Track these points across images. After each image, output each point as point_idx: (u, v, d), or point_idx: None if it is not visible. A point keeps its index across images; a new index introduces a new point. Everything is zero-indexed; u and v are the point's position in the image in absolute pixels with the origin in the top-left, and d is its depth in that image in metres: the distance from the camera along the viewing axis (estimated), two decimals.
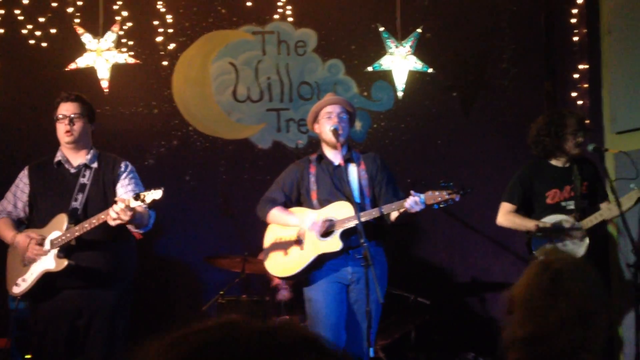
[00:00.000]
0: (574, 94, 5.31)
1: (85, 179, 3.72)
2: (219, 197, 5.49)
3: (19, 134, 5.36)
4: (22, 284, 3.65)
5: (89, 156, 3.76)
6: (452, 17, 5.59)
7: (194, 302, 5.07)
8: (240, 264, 4.70)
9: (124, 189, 3.72)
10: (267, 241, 3.99)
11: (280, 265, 3.88)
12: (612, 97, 4.90)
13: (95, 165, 3.76)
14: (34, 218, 3.75)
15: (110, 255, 3.66)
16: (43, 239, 3.62)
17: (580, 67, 5.28)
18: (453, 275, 5.48)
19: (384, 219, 3.79)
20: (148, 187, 3.48)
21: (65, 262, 3.56)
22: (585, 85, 5.20)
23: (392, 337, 4.74)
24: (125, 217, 3.36)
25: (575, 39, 5.36)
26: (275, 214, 3.92)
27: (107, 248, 3.64)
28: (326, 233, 3.76)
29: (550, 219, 3.91)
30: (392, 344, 4.73)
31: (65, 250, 3.59)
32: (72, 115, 3.70)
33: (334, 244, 3.72)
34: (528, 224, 4.03)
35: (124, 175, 3.77)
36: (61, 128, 3.71)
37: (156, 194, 3.37)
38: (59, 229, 3.60)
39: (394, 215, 3.77)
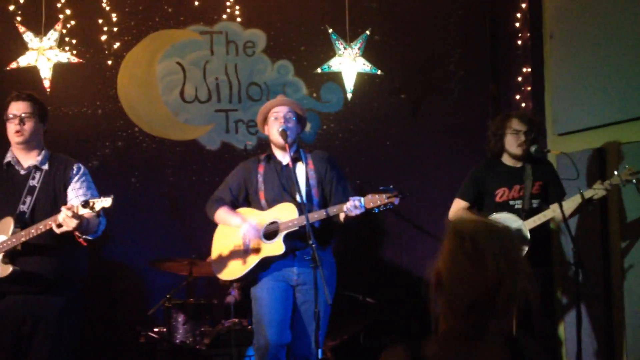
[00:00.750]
0: (517, 97, 5.42)
1: (35, 181, 3.59)
2: (166, 199, 5.41)
3: None
4: None
5: (39, 157, 3.63)
6: (400, 20, 5.65)
7: (140, 306, 4.98)
8: (187, 267, 4.64)
9: (75, 193, 3.60)
10: (215, 243, 3.97)
11: (226, 268, 3.85)
12: (554, 99, 5.02)
13: (46, 167, 3.63)
14: None
15: (58, 260, 3.53)
16: None
17: (524, 70, 5.40)
18: (401, 275, 5.52)
19: (333, 219, 3.79)
20: (99, 190, 3.40)
21: (10, 269, 3.42)
22: (529, 88, 5.32)
23: (341, 338, 4.75)
24: (72, 224, 3.27)
25: (519, 42, 5.47)
26: (221, 214, 3.93)
27: (55, 253, 3.52)
28: (270, 235, 3.74)
29: (498, 217, 3.97)
30: (341, 345, 4.74)
31: (10, 255, 3.46)
32: (23, 115, 3.58)
33: (277, 247, 3.71)
34: None
35: (76, 178, 3.65)
36: (11, 128, 3.59)
37: (106, 202, 3.28)
38: (4, 233, 3.47)
39: (342, 216, 3.77)
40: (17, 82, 5.07)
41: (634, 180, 3.70)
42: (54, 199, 3.58)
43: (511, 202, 4.02)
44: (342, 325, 4.68)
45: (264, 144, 4.98)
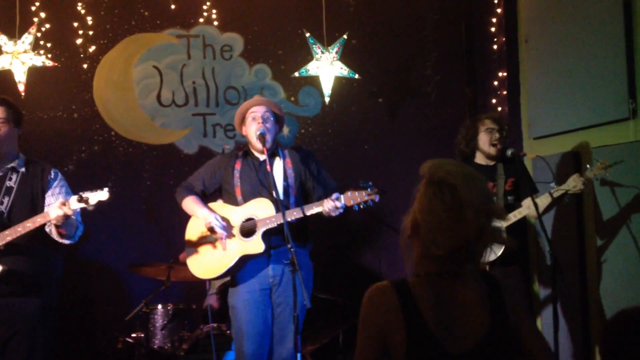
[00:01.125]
0: (493, 101, 5.49)
1: (12, 182, 3.57)
2: (143, 203, 5.37)
3: None
4: None
5: (17, 160, 3.62)
6: (377, 24, 5.68)
7: (118, 311, 4.92)
8: (165, 271, 4.60)
9: (55, 198, 3.57)
10: (189, 238, 3.89)
11: (203, 266, 3.79)
12: (529, 103, 5.08)
13: (23, 169, 3.62)
14: None
15: (35, 262, 3.50)
16: None
17: (500, 74, 5.46)
18: (380, 278, 5.53)
19: (305, 215, 3.72)
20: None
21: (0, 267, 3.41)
22: (505, 92, 5.38)
23: (320, 341, 4.75)
24: (63, 219, 3.28)
25: (495, 47, 5.54)
26: (189, 202, 3.90)
27: (32, 255, 3.48)
28: (248, 232, 3.71)
29: None
30: (321, 348, 4.73)
31: None
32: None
33: (256, 245, 3.65)
34: None
35: (55, 183, 3.64)
36: None
37: (102, 195, 3.29)
38: None
39: (314, 211, 3.73)
40: None
41: (607, 174, 3.77)
42: (31, 202, 3.55)
43: None
44: (321, 328, 4.68)
45: (242, 148, 4.97)
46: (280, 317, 3.70)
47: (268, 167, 3.72)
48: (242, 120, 3.92)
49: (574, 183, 3.80)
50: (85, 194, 3.27)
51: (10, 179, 3.57)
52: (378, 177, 5.35)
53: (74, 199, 3.29)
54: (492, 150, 4.08)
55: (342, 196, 3.56)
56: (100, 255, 5.21)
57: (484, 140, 4.10)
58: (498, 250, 3.89)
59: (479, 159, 4.18)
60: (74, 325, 5.05)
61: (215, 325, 4.45)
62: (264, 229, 3.65)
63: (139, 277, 4.83)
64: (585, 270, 4.41)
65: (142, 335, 4.56)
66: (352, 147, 5.65)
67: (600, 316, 4.26)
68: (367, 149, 5.67)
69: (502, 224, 3.92)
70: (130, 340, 4.56)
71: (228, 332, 4.33)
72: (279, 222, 3.59)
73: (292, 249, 3.34)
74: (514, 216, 3.94)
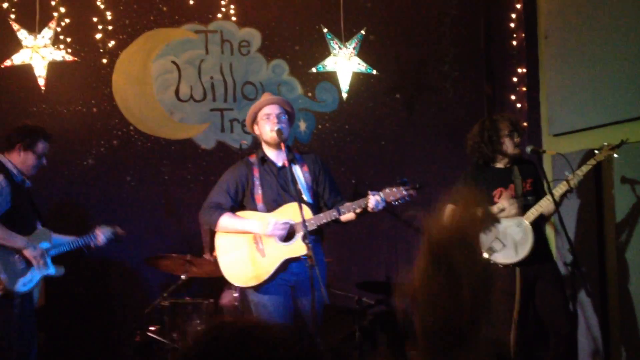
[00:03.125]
0: (512, 97, 5.45)
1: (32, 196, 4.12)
2: (161, 198, 5.40)
3: None
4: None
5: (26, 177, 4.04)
6: (395, 20, 5.66)
7: (137, 304, 4.96)
8: (183, 265, 4.63)
9: None
10: (222, 255, 3.79)
11: (244, 275, 3.72)
12: (549, 100, 5.05)
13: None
14: (14, 226, 3.88)
15: None
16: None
17: (519, 70, 5.42)
18: (397, 275, 5.53)
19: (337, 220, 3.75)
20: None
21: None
22: (524, 89, 5.35)
23: (337, 337, 4.75)
24: None
25: (514, 43, 5.50)
26: (228, 222, 3.73)
27: None
28: (287, 237, 3.71)
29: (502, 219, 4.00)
30: (338, 344, 4.74)
31: None
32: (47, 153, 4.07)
33: (300, 247, 3.59)
34: None
35: None
36: (35, 162, 4.00)
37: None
38: (47, 241, 4.03)
39: (348, 216, 3.74)
40: (11, 80, 5.07)
41: (615, 155, 3.77)
42: None
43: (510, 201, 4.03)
44: (337, 325, 4.69)
45: (259, 143, 4.98)
46: (301, 312, 3.71)
47: (286, 163, 3.72)
48: (254, 120, 3.89)
49: (586, 168, 3.81)
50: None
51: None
52: (394, 173, 5.34)
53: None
54: (516, 152, 4.03)
55: (381, 192, 3.57)
56: (119, 249, 5.22)
57: (508, 144, 4.04)
58: (522, 251, 3.88)
59: (498, 162, 4.12)
60: (93, 318, 5.09)
61: (231, 318, 4.46)
62: (304, 231, 3.58)
63: (157, 270, 4.86)
64: (605, 267, 4.39)
65: (160, 328, 4.59)
66: (369, 143, 5.64)
67: (620, 313, 4.23)
68: (384, 144, 5.66)
69: (525, 222, 3.92)
70: (148, 333, 4.60)
71: None
72: (318, 223, 3.61)
73: (309, 244, 3.36)
74: (535, 210, 3.92)
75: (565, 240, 3.78)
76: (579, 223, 4.51)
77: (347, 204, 3.69)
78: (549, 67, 5.05)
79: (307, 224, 3.53)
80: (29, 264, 3.87)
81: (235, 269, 3.76)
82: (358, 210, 3.67)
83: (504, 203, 3.96)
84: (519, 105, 5.39)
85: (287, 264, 3.70)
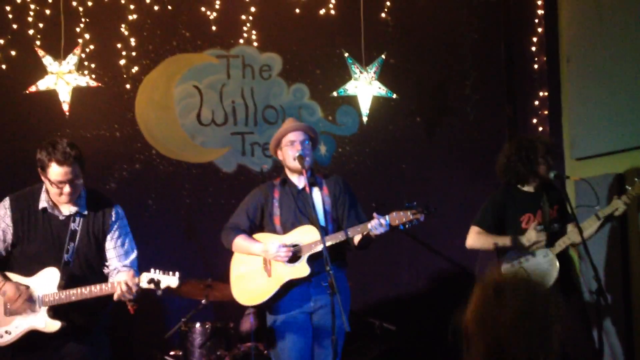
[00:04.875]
0: (534, 120, 5.42)
1: (76, 224, 3.44)
2: (183, 221, 5.43)
3: None
4: (6, 336, 3.39)
5: (79, 202, 3.45)
6: (415, 44, 5.67)
7: (157, 328, 4.97)
8: (203, 290, 4.63)
9: (113, 243, 3.50)
10: (234, 269, 3.93)
11: (248, 293, 3.82)
12: (571, 123, 5.01)
13: (85, 212, 3.46)
14: (16, 261, 3.45)
15: (92, 310, 3.46)
16: (31, 296, 3.40)
17: (541, 94, 5.40)
18: (419, 300, 5.49)
19: (348, 242, 3.78)
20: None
21: (58, 324, 3.36)
22: (546, 112, 5.32)
23: None
24: (130, 295, 3.26)
25: (536, 66, 5.48)
26: (240, 243, 3.86)
27: (90, 304, 3.41)
28: (293, 258, 3.73)
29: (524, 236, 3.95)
30: None
31: (53, 308, 3.38)
32: (69, 179, 3.32)
33: (302, 269, 3.69)
34: (504, 240, 4.01)
35: (115, 227, 3.51)
36: (54, 190, 3.35)
37: (172, 281, 3.27)
38: (50, 286, 3.38)
39: (356, 239, 3.76)
40: (36, 106, 5.16)
41: None
42: (95, 245, 3.48)
43: (537, 228, 3.99)
44: (358, 351, 4.65)
45: (280, 167, 4.99)
46: (320, 340, 3.70)
47: (307, 188, 3.74)
48: (278, 145, 3.93)
49: (617, 205, 3.73)
50: (157, 276, 3.25)
51: (74, 221, 3.45)
52: (415, 197, 5.31)
53: (144, 278, 3.25)
54: (550, 176, 3.96)
55: (387, 216, 3.56)
56: (139, 271, 5.26)
57: (542, 166, 3.98)
58: (547, 283, 3.83)
59: (528, 185, 4.07)
60: (113, 342, 5.09)
61: (252, 344, 4.46)
62: (309, 253, 3.68)
63: (178, 295, 4.87)
64: (630, 294, 4.31)
65: (181, 353, 4.59)
66: (390, 167, 5.63)
67: None
68: (405, 168, 5.64)
69: (551, 254, 3.87)
70: (168, 358, 4.60)
71: (266, 352, 4.34)
72: (327, 244, 3.61)
73: (330, 272, 3.36)
74: (563, 242, 3.87)
75: (590, 266, 3.73)
76: (604, 249, 4.45)
77: (353, 227, 3.69)
78: (571, 90, 5.02)
79: (313, 246, 3.62)
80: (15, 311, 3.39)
81: (241, 287, 3.85)
82: (364, 233, 3.66)
83: (532, 235, 3.90)
84: (540, 128, 5.35)
85: (290, 286, 3.71)
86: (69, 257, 3.42)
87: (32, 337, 3.40)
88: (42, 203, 3.43)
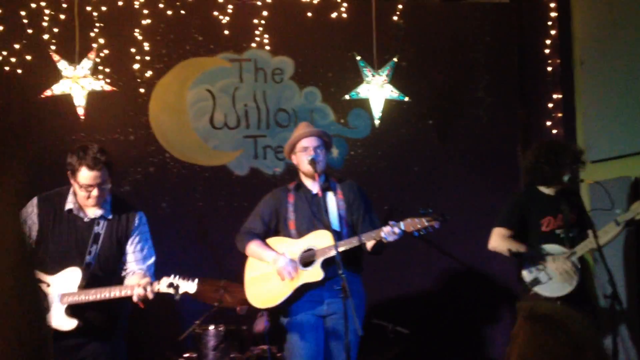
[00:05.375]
0: (548, 123, 5.40)
1: (100, 227, 3.56)
2: (196, 224, 5.45)
3: None
4: None
5: (105, 206, 3.58)
6: (427, 47, 5.67)
7: (171, 331, 4.99)
8: (216, 292, 4.65)
9: (133, 247, 3.60)
10: (248, 271, 3.97)
11: (261, 296, 3.86)
12: (585, 126, 4.99)
13: (110, 216, 3.59)
14: (39, 260, 3.53)
15: (111, 310, 3.55)
16: (49, 294, 3.46)
17: (555, 96, 5.37)
18: (431, 304, 5.48)
19: (362, 247, 3.79)
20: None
21: (75, 323, 3.44)
22: (560, 115, 5.29)
23: None
24: (149, 298, 3.38)
25: (549, 69, 5.46)
26: (253, 249, 3.90)
27: (109, 304, 3.50)
28: (307, 262, 3.74)
29: (550, 249, 3.94)
30: None
31: (71, 307, 3.47)
32: (97, 183, 3.46)
33: (315, 273, 3.71)
34: (518, 247, 3.99)
35: (137, 232, 3.62)
36: (82, 193, 3.49)
37: (190, 287, 3.38)
38: (71, 285, 3.47)
39: (369, 244, 3.77)
40: (51, 110, 5.20)
41: None
42: (117, 249, 3.57)
43: (557, 231, 3.98)
44: (371, 354, 4.65)
45: (292, 170, 5.01)
46: (333, 344, 3.71)
47: (320, 193, 3.75)
48: (292, 150, 3.96)
49: (638, 209, 3.71)
50: (177, 281, 3.35)
51: (98, 224, 3.56)
52: (427, 200, 5.31)
53: (164, 283, 3.36)
54: (570, 183, 3.94)
55: (401, 222, 3.56)
56: (155, 275, 5.29)
57: (568, 172, 3.95)
58: (569, 286, 3.82)
59: (549, 188, 4.05)
60: (127, 344, 5.13)
61: (265, 347, 4.47)
62: (323, 257, 3.69)
63: (191, 297, 4.88)
64: None
65: (195, 355, 4.61)
66: (402, 170, 5.63)
67: None
68: (417, 171, 5.64)
69: (573, 258, 3.86)
70: None
71: (279, 354, 4.35)
72: (341, 249, 3.62)
73: (343, 275, 3.37)
74: (583, 247, 3.86)
75: (604, 270, 3.71)
76: (619, 252, 4.42)
77: (367, 233, 3.70)
78: (585, 93, 4.99)
79: (327, 250, 3.64)
80: None
81: (255, 289, 3.89)
82: (372, 242, 3.67)
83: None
84: (554, 131, 5.33)
85: (303, 290, 3.73)
86: (91, 258, 3.51)
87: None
88: (69, 204, 3.55)
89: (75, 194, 3.54)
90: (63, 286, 3.47)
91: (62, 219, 3.55)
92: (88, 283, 3.48)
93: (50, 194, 3.63)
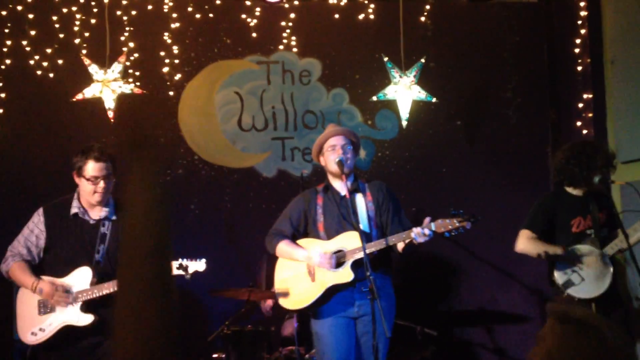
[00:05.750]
0: (578, 123, 5.33)
1: (105, 228, 3.69)
2: (224, 225, 5.49)
3: (23, 165, 5.38)
4: (40, 333, 3.59)
5: (108, 208, 3.71)
6: (455, 47, 5.64)
7: (199, 332, 5.03)
8: (245, 293, 4.68)
9: None
10: (278, 273, 3.97)
11: (292, 298, 3.85)
12: (616, 126, 4.92)
13: (114, 217, 3.72)
14: (49, 265, 3.67)
15: None
16: (67, 289, 3.60)
17: (585, 96, 5.31)
18: (459, 306, 5.45)
19: (393, 249, 3.78)
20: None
21: (91, 318, 3.58)
22: (590, 115, 5.23)
23: None
24: None
25: (579, 68, 5.39)
26: (283, 248, 3.90)
27: None
28: (337, 264, 3.74)
29: (583, 250, 3.90)
30: None
31: (86, 304, 3.60)
32: (103, 175, 3.62)
33: (345, 274, 3.70)
34: (555, 249, 3.96)
35: None
36: (89, 188, 3.63)
37: (199, 266, 3.49)
38: (83, 283, 3.61)
39: (400, 245, 3.76)
40: (82, 113, 5.28)
41: None
42: None
43: (588, 232, 3.94)
44: (399, 356, 4.64)
45: (320, 172, 5.02)
46: (364, 347, 3.71)
47: (347, 194, 3.76)
48: (320, 151, 3.96)
49: None
50: (185, 262, 3.45)
51: (103, 226, 3.70)
52: (455, 202, 5.28)
53: (174, 265, 3.45)
54: (599, 187, 3.88)
55: (432, 223, 3.55)
56: (181, 275, 5.34)
57: (597, 176, 3.90)
58: (602, 286, 3.77)
59: (577, 189, 4.01)
60: None
61: (293, 348, 4.49)
62: (353, 259, 3.69)
63: (219, 298, 4.93)
64: None
65: (223, 356, 4.65)
66: (429, 171, 5.60)
67: None
68: (445, 172, 5.61)
69: (605, 259, 3.81)
70: None
71: (307, 355, 4.36)
72: (369, 251, 3.63)
73: (371, 277, 3.38)
74: (613, 247, 3.81)
75: (636, 271, 3.65)
76: None
77: (396, 234, 3.69)
78: (616, 93, 4.93)
79: (357, 251, 3.63)
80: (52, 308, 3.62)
81: (285, 291, 3.88)
82: (407, 241, 3.65)
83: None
84: (585, 131, 5.26)
85: (333, 291, 3.72)
86: (100, 257, 3.65)
87: (67, 333, 3.58)
88: (74, 209, 3.69)
89: (79, 199, 3.70)
90: (75, 285, 3.61)
91: (68, 224, 3.68)
92: (99, 279, 3.61)
93: (54, 202, 3.76)
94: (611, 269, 3.82)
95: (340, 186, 3.91)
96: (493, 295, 5.41)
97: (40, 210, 3.74)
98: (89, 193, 3.63)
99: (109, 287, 3.55)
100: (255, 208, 5.48)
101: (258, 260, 5.02)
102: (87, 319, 3.57)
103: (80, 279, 3.61)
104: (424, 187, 5.55)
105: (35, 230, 3.69)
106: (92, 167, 3.60)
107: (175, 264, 3.47)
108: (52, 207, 3.75)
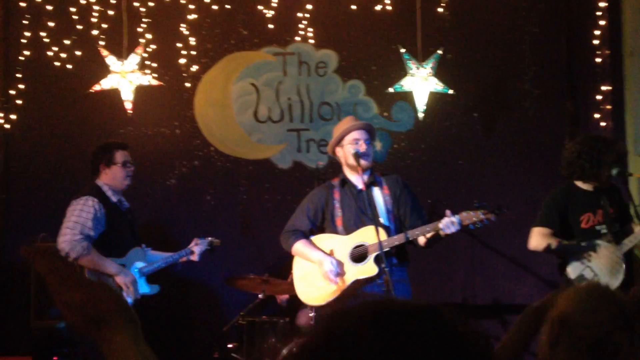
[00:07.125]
0: (596, 115, 5.28)
1: (131, 215, 4.26)
2: (239, 217, 5.52)
3: (43, 156, 5.44)
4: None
5: (124, 198, 4.23)
6: (472, 39, 5.60)
7: (215, 323, 5.08)
8: (260, 284, 4.70)
9: None
10: (296, 268, 3.93)
11: (314, 293, 3.81)
12: (635, 118, 4.87)
13: (128, 205, 4.26)
14: (106, 247, 3.99)
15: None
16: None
17: (603, 88, 5.25)
18: (474, 298, 5.43)
19: (414, 242, 3.76)
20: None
21: (157, 288, 4.25)
22: (609, 107, 5.17)
23: None
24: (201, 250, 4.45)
25: (598, 60, 5.33)
26: (299, 249, 3.86)
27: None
28: (359, 258, 3.74)
29: (594, 244, 3.87)
30: None
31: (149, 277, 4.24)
32: (131, 161, 4.18)
33: (369, 269, 3.66)
34: (568, 244, 3.93)
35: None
36: (122, 173, 4.11)
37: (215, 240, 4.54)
38: (141, 260, 4.18)
39: (422, 239, 3.73)
40: (100, 104, 5.33)
41: None
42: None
43: (597, 227, 3.90)
44: None
45: (335, 164, 5.02)
46: None
47: (363, 186, 3.75)
48: (339, 143, 3.93)
49: None
50: (210, 239, 4.49)
51: (129, 213, 4.26)
52: (472, 194, 5.26)
53: (203, 244, 4.49)
54: (608, 183, 3.85)
55: (457, 216, 3.53)
56: (198, 266, 5.38)
57: (607, 175, 3.86)
58: (615, 281, 3.75)
59: (587, 184, 3.97)
60: (173, 335, 5.24)
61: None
62: (375, 253, 3.65)
63: (236, 289, 4.96)
64: None
65: (238, 346, 4.68)
66: (446, 163, 5.58)
67: None
68: (461, 164, 5.58)
69: (618, 252, 3.78)
70: (226, 350, 4.69)
71: None
72: (391, 245, 3.62)
73: (386, 269, 3.37)
74: (627, 243, 3.78)
75: None
76: None
77: (419, 228, 3.66)
78: (635, 85, 4.87)
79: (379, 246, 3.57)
80: (120, 289, 3.96)
81: (305, 286, 3.86)
82: (429, 235, 3.63)
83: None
84: (603, 124, 5.20)
85: (357, 285, 3.71)
86: (139, 240, 4.25)
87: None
88: (113, 198, 4.10)
89: (110, 190, 4.09)
90: (136, 263, 4.12)
91: (115, 210, 4.10)
92: (149, 257, 4.24)
93: (92, 193, 4.04)
94: (624, 265, 3.78)
95: (357, 179, 3.88)
96: (509, 288, 5.39)
97: (93, 200, 3.99)
98: (121, 179, 4.10)
99: (165, 261, 4.32)
100: (270, 199, 5.49)
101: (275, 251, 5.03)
102: (154, 289, 4.24)
103: (137, 257, 4.16)
104: (440, 180, 5.53)
105: (97, 215, 3.97)
106: (122, 154, 4.12)
107: (205, 242, 4.41)
108: (97, 196, 4.03)
